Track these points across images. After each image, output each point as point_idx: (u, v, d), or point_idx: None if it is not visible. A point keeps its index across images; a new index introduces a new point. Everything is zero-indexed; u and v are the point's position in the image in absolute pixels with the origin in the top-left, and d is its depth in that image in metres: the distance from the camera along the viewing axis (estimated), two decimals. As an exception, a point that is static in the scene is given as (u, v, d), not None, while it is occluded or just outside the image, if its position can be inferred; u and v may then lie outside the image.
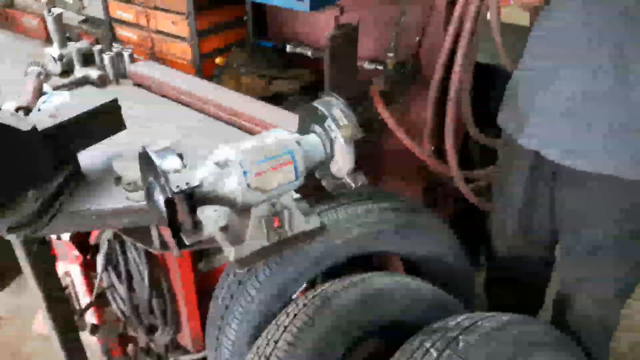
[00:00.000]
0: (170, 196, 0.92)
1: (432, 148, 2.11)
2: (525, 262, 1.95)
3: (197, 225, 0.99)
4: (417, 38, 2.04)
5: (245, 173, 0.99)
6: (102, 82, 1.92)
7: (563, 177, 1.61)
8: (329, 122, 1.12)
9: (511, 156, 1.79)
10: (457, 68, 1.85)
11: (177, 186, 0.93)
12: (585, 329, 1.79)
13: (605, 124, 1.45)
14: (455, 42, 1.84)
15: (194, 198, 0.96)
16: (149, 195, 1.03)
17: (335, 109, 1.13)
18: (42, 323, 2.48)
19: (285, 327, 1.42)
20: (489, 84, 2.42)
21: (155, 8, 2.29)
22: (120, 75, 1.97)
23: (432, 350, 1.31)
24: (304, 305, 1.46)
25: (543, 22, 1.55)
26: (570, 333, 1.74)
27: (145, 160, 1.01)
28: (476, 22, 1.79)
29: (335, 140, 1.13)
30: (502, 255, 1.99)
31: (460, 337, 1.33)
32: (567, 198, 1.65)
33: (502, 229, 1.94)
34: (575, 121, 1.49)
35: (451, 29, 1.83)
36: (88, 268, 2.13)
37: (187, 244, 0.98)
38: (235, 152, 1.00)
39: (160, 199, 0.95)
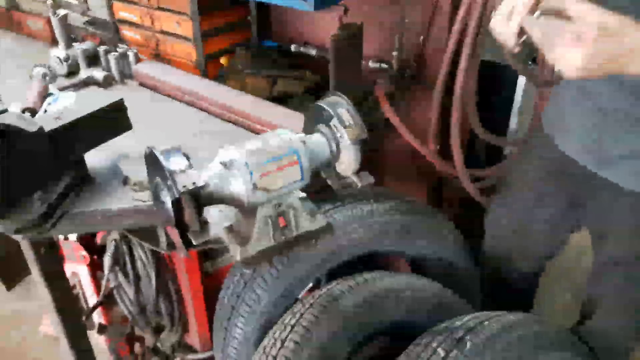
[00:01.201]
0: (177, 196, 0.92)
1: (438, 147, 2.10)
2: (514, 269, 1.92)
3: (203, 225, 0.99)
4: (422, 37, 2.04)
5: (251, 173, 0.99)
6: (107, 82, 1.93)
7: (591, 187, 1.55)
8: (334, 122, 1.12)
9: (530, 155, 1.76)
10: (462, 67, 1.85)
11: (184, 186, 0.93)
12: (603, 342, 1.74)
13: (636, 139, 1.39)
14: (460, 41, 1.83)
15: (200, 198, 0.96)
16: (156, 196, 1.03)
17: (340, 109, 1.13)
18: (49, 324, 2.49)
19: (292, 327, 1.42)
20: (495, 82, 2.42)
21: (160, 9, 2.29)
22: (126, 75, 1.97)
23: (439, 350, 1.31)
24: (310, 304, 1.46)
25: None
26: (588, 342, 1.72)
27: (151, 160, 1.01)
28: (481, 21, 1.79)
29: (341, 139, 1.13)
30: (493, 257, 1.95)
31: (467, 337, 1.33)
32: (593, 210, 1.60)
33: (499, 228, 1.91)
34: (605, 129, 1.43)
35: (456, 28, 1.83)
36: (95, 268, 2.14)
37: (194, 243, 0.99)
38: (240, 152, 1.00)
39: (167, 199, 0.95)
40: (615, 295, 1.66)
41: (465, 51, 1.82)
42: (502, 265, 1.94)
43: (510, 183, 1.88)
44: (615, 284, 1.63)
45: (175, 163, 0.97)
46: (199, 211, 0.97)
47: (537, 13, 0.91)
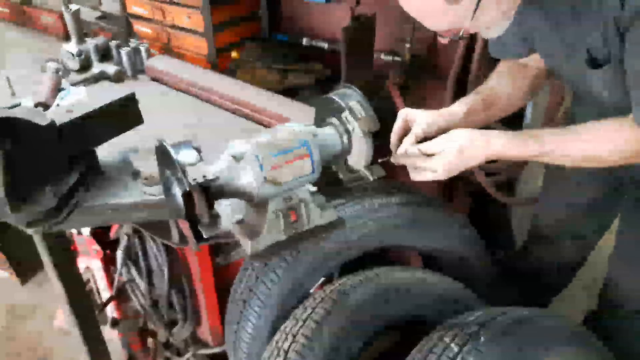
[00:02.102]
0: (187, 189, 0.91)
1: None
2: (557, 256, 1.95)
3: (214, 218, 0.99)
4: (434, 29, 2.01)
5: (261, 166, 0.98)
6: (119, 77, 1.93)
7: (629, 175, 1.57)
8: (346, 114, 1.11)
9: None
10: (475, 59, 1.82)
11: (194, 179, 0.92)
12: (632, 331, 1.74)
13: None
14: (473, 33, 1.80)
15: (211, 191, 0.95)
16: (167, 189, 1.03)
17: (352, 101, 1.12)
18: (63, 318, 2.52)
19: (304, 321, 1.42)
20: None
21: (171, 3, 2.29)
22: (137, 70, 1.98)
23: (452, 345, 1.29)
24: (322, 299, 1.45)
25: None
26: (612, 337, 1.70)
27: (162, 154, 1.01)
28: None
29: (352, 132, 1.11)
30: (537, 246, 1.99)
31: (481, 331, 1.31)
32: (632, 207, 1.62)
33: (543, 218, 1.94)
34: None
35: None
36: (109, 263, 2.15)
37: (204, 237, 0.98)
38: (251, 145, 1.00)
39: (177, 192, 0.95)
40: None
41: (479, 42, 1.79)
42: (545, 253, 1.97)
43: (551, 174, 1.89)
44: None
45: (185, 156, 0.96)
46: (210, 204, 0.96)
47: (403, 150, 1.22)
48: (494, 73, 1.47)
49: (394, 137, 1.28)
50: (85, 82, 1.90)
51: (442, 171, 1.19)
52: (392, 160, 1.25)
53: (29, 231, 1.23)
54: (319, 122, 1.18)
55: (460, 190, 2.43)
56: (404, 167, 1.25)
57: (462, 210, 2.46)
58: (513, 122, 2.41)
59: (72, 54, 1.94)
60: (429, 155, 1.20)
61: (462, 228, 1.82)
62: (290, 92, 2.06)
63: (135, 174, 1.34)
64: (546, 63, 1.40)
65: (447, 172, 1.19)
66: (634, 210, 1.62)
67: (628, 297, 1.71)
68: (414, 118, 1.26)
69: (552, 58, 1.35)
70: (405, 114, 1.28)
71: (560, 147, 1.19)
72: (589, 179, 1.72)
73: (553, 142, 1.19)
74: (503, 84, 1.44)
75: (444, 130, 1.24)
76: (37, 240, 1.45)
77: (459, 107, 1.34)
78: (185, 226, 0.98)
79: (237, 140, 1.03)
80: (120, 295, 2.17)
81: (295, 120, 1.26)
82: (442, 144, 1.19)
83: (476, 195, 2.31)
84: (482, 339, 1.29)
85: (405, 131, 1.27)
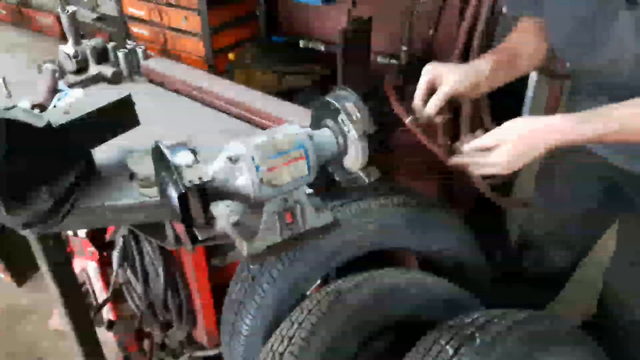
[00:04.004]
0: (182, 191, 0.91)
1: (448, 143, 2.08)
2: (549, 262, 1.92)
3: (210, 220, 0.99)
4: (431, 31, 2.02)
5: (257, 168, 0.98)
6: (116, 79, 1.93)
7: (627, 183, 1.53)
8: (342, 116, 1.11)
9: (567, 153, 1.74)
10: (473, 59, 1.82)
11: (190, 181, 0.93)
12: (633, 339, 1.73)
13: None
14: (470, 34, 1.81)
15: (207, 193, 0.96)
16: (162, 191, 1.03)
17: (348, 103, 1.12)
18: (58, 319, 2.51)
19: (300, 324, 1.41)
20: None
21: (168, 4, 2.30)
22: (134, 71, 1.97)
23: (447, 347, 1.29)
24: (318, 301, 1.45)
25: None
26: (615, 342, 1.70)
27: (158, 155, 1.01)
28: (493, 11, 1.76)
29: (348, 134, 1.11)
30: (528, 250, 1.97)
31: (477, 333, 1.32)
32: (630, 204, 1.57)
33: (535, 222, 1.92)
34: None
35: (466, 22, 1.80)
36: (104, 264, 2.15)
37: (200, 239, 0.98)
38: (247, 147, 1.00)
39: (173, 194, 0.95)
40: None
41: (477, 42, 1.79)
42: (536, 259, 1.94)
43: (545, 178, 1.86)
44: None
45: (181, 158, 0.96)
46: (206, 206, 0.96)
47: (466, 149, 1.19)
48: (514, 32, 1.42)
49: (418, 97, 1.22)
50: (82, 83, 1.90)
51: (503, 165, 1.15)
52: (448, 161, 1.22)
53: (25, 233, 1.23)
54: (315, 124, 1.18)
55: (458, 191, 2.44)
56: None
57: (462, 211, 2.46)
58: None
59: (69, 56, 1.94)
60: (487, 150, 1.15)
61: (459, 230, 1.82)
62: (288, 94, 2.06)
63: (132, 176, 1.33)
64: (556, 32, 1.32)
65: (508, 166, 1.15)
66: (633, 221, 1.60)
67: (627, 308, 1.70)
68: (441, 75, 1.21)
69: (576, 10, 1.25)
70: (430, 71, 1.22)
71: (631, 121, 1.12)
72: (583, 188, 1.69)
73: (620, 117, 1.12)
74: (525, 42, 1.39)
75: (474, 87, 1.19)
76: (33, 242, 1.45)
77: (485, 64, 1.29)
78: (180, 228, 0.98)
79: (233, 141, 1.03)
80: (116, 297, 2.16)
81: (291, 122, 1.25)
82: (499, 137, 1.14)
83: (475, 196, 2.31)
84: (478, 341, 1.29)
85: (431, 90, 1.21)
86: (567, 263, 1.95)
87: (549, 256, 1.92)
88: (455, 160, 1.21)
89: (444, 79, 1.21)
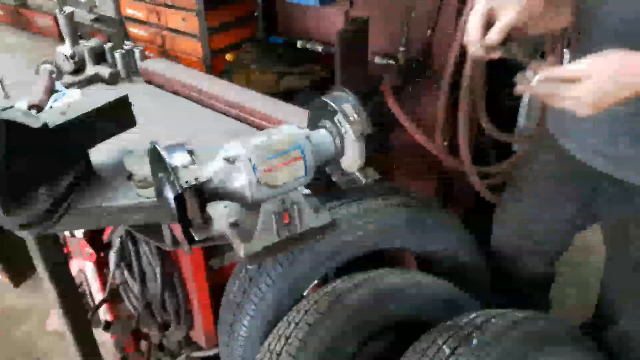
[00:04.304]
0: (179, 192, 0.91)
1: (445, 143, 2.09)
2: (522, 267, 1.90)
3: (207, 221, 0.99)
4: (428, 32, 2.02)
5: (254, 169, 0.98)
6: (113, 79, 1.93)
7: (607, 187, 1.52)
8: (339, 117, 1.11)
9: (538, 156, 1.73)
10: (469, 61, 1.83)
11: (187, 182, 0.93)
12: (626, 348, 1.70)
13: None
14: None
15: (204, 194, 0.96)
16: (160, 192, 1.03)
17: (345, 104, 1.12)
18: (56, 320, 2.51)
19: (297, 324, 1.42)
20: (503, 78, 2.39)
21: (166, 5, 2.29)
22: (132, 72, 1.97)
23: (444, 347, 1.29)
24: (316, 301, 1.45)
25: (589, 21, 1.42)
26: (609, 347, 1.69)
27: (155, 156, 1.01)
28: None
29: (345, 135, 1.12)
30: (502, 255, 1.93)
31: (474, 334, 1.32)
32: (611, 210, 1.57)
33: (507, 227, 1.89)
34: (620, 131, 1.38)
35: (463, 22, 1.80)
36: (102, 265, 2.15)
37: (196, 239, 0.98)
38: (244, 147, 1.00)
39: (170, 195, 0.95)
40: None
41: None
42: (510, 263, 1.92)
43: (518, 182, 1.85)
44: None
45: (178, 159, 0.97)
46: (203, 207, 0.96)
47: (537, 79, 1.09)
48: None
49: (475, 29, 1.15)
50: (80, 84, 1.89)
51: (589, 100, 1.03)
52: (526, 89, 1.11)
53: (22, 234, 1.23)
54: (313, 124, 1.19)
55: (456, 191, 2.44)
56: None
57: (460, 212, 2.47)
58: (506, 122, 2.43)
59: (67, 56, 1.94)
60: (572, 81, 1.05)
61: (457, 230, 1.82)
62: (287, 95, 2.06)
63: (129, 177, 1.33)
64: None
65: (594, 101, 1.03)
66: (621, 229, 1.57)
67: (623, 315, 1.69)
68: (499, 6, 1.13)
69: None
70: (485, 3, 1.14)
71: None
72: (560, 193, 1.67)
73: None
74: None
75: (533, 21, 1.12)
76: (30, 243, 1.45)
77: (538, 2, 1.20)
78: (177, 229, 0.98)
79: (231, 142, 1.03)
80: (114, 298, 2.16)
81: (289, 123, 1.25)
82: (586, 69, 1.03)
83: (474, 197, 2.30)
84: (475, 341, 1.29)
85: (489, 23, 1.14)
86: (544, 268, 1.93)
87: (522, 263, 1.89)
88: (534, 85, 1.09)
89: (503, 11, 1.14)
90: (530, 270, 1.91)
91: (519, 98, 2.43)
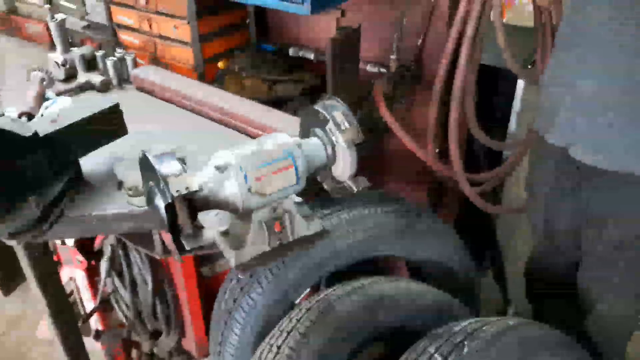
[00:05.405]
0: (170, 200, 0.91)
1: (437, 150, 2.09)
2: (552, 266, 1.95)
3: (197, 229, 0.99)
4: (420, 40, 2.03)
5: (245, 177, 0.98)
6: (105, 87, 1.92)
7: (587, 174, 1.62)
8: (330, 126, 1.12)
9: (539, 156, 1.81)
10: (460, 69, 1.84)
11: (177, 190, 0.92)
12: (604, 331, 1.78)
13: (623, 123, 1.46)
14: (459, 43, 1.82)
15: (194, 202, 0.95)
16: (150, 200, 1.02)
17: (336, 112, 1.12)
18: (46, 328, 2.49)
19: (289, 333, 1.41)
20: (494, 86, 2.41)
21: (158, 13, 2.29)
22: (123, 80, 1.97)
23: (436, 355, 1.29)
24: (307, 310, 1.45)
25: (569, 21, 1.58)
26: (588, 336, 1.73)
27: (145, 165, 1.00)
28: (479, 23, 1.78)
29: (336, 143, 1.12)
30: (535, 257, 2.01)
31: (465, 341, 1.32)
32: (592, 196, 1.66)
33: (533, 230, 1.96)
34: (597, 119, 1.51)
35: (454, 31, 1.82)
36: (92, 273, 2.13)
37: (187, 248, 0.98)
38: (235, 156, 1.00)
39: (160, 203, 0.95)
40: (617, 280, 1.70)
41: (464, 51, 1.81)
42: (542, 262, 1.99)
43: (531, 183, 1.91)
44: (620, 267, 1.67)
45: (168, 167, 0.96)
46: (193, 216, 0.96)
47: None
48: None
49: None
50: (71, 91, 1.89)
51: None
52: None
53: (11, 242, 1.21)
54: (304, 133, 1.19)
55: (447, 198, 2.45)
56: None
57: (450, 219, 2.48)
58: (497, 130, 2.44)
59: (58, 63, 1.93)
60: None
61: (448, 238, 1.83)
62: (278, 102, 2.06)
63: (120, 185, 1.33)
64: None
65: None
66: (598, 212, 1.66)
67: (600, 300, 1.76)
68: None
69: None
70: None
71: None
72: (564, 185, 1.74)
73: None
74: None
75: None
76: (19, 251, 1.43)
77: None
78: (167, 237, 0.98)
79: (222, 150, 1.03)
80: (104, 306, 2.15)
81: (280, 130, 1.26)
82: None
83: (464, 204, 2.32)
84: (466, 349, 1.29)
85: None
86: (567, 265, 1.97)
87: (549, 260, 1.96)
88: None
89: None
90: (558, 266, 1.95)
91: (511, 99, 2.46)
